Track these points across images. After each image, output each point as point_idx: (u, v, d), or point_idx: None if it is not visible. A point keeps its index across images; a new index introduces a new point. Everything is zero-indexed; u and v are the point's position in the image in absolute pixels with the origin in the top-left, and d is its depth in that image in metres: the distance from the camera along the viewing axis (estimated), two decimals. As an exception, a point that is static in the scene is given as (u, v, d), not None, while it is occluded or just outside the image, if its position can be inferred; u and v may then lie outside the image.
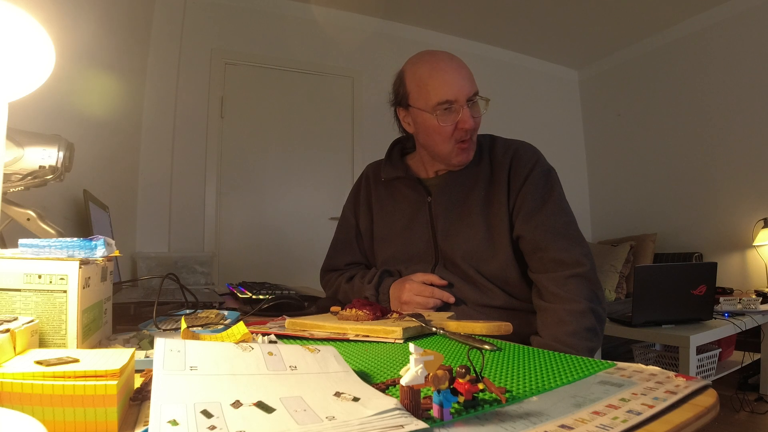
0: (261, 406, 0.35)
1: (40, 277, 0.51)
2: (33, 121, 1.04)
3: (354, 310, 0.80)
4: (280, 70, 3.31)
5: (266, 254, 3.16)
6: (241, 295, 1.26)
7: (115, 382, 0.35)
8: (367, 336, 0.71)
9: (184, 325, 0.60)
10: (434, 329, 0.71)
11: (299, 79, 3.37)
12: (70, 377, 0.35)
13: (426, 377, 0.36)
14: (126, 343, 0.62)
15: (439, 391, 0.36)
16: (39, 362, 0.37)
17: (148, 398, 0.36)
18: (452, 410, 0.37)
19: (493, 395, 0.41)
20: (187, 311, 0.87)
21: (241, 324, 0.60)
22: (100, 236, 0.59)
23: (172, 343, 0.42)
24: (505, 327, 0.72)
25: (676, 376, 0.45)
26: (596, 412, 0.37)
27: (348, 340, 0.71)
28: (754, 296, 2.49)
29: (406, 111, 1.07)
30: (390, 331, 0.69)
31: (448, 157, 1.04)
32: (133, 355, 0.41)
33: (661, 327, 2.13)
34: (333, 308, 0.88)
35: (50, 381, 0.34)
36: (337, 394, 0.39)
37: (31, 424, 0.30)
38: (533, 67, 4.31)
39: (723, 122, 3.42)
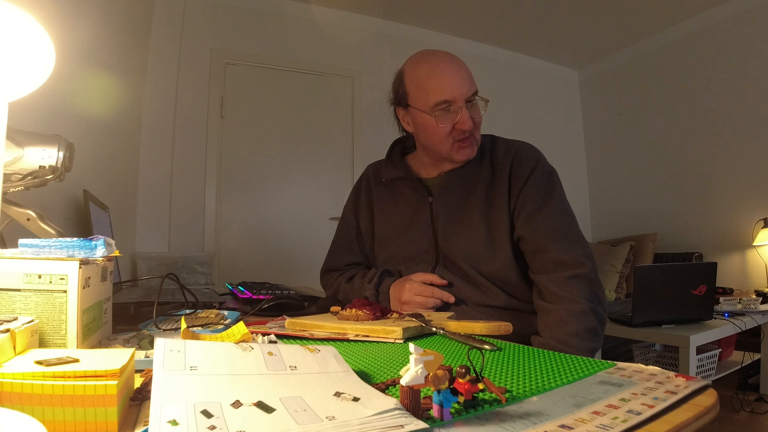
0: (261, 406, 0.35)
1: (40, 277, 0.51)
2: (33, 121, 1.04)
3: (354, 310, 0.80)
4: (280, 70, 3.31)
5: (266, 254, 3.16)
6: (241, 295, 1.26)
7: (115, 382, 0.35)
8: (367, 336, 0.70)
9: (184, 325, 0.60)
10: (434, 329, 0.71)
11: (299, 79, 3.37)
12: (70, 377, 0.35)
13: (426, 377, 0.36)
14: (126, 343, 0.62)
15: (439, 391, 0.36)
16: (39, 362, 0.37)
17: (148, 398, 0.36)
18: (452, 410, 0.37)
19: (493, 395, 0.41)
20: (187, 311, 0.87)
21: (241, 324, 0.60)
22: (100, 236, 0.59)
23: (172, 343, 0.42)
24: (505, 327, 0.72)
25: (676, 376, 0.45)
26: (596, 412, 0.37)
27: (348, 340, 0.71)
28: (754, 296, 2.49)
29: (405, 111, 1.07)
30: (390, 331, 0.69)
31: (449, 155, 1.04)
32: (133, 355, 0.41)
33: (661, 327, 2.13)
34: (333, 308, 0.88)
35: (50, 381, 0.34)
36: (337, 394, 0.39)
37: (31, 424, 0.30)
38: (533, 67, 4.31)
39: (723, 122, 3.42)
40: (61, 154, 0.80)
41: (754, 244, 3.12)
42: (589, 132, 4.53)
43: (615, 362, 0.52)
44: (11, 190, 0.78)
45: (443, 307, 1.01)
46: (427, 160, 1.12)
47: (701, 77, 3.56)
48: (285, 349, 0.47)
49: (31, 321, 0.47)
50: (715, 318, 2.23)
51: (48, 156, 0.78)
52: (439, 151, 1.05)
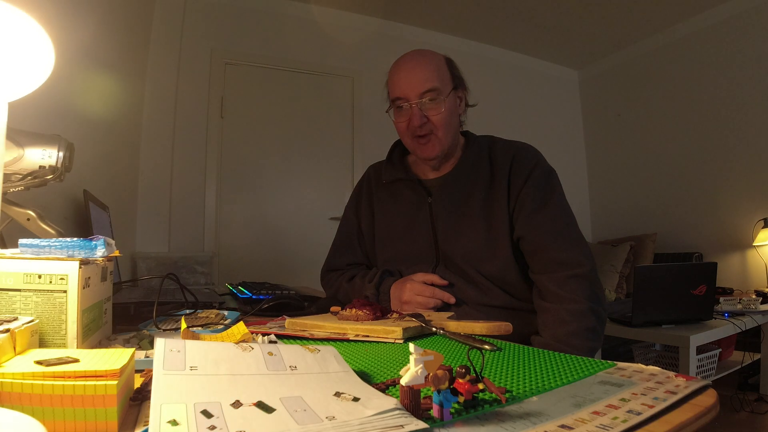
0: (261, 406, 0.35)
1: (40, 277, 0.51)
2: (33, 121, 1.04)
3: (354, 310, 0.80)
4: (280, 70, 3.31)
5: (266, 254, 3.16)
6: (241, 295, 1.26)
7: (115, 382, 0.35)
8: (367, 336, 0.70)
9: (184, 325, 0.60)
10: (434, 329, 0.71)
11: (299, 79, 3.37)
12: (70, 377, 0.35)
13: (426, 377, 0.36)
14: (126, 343, 0.62)
15: (439, 391, 0.36)
16: (39, 362, 0.37)
17: (148, 398, 0.36)
18: (452, 410, 0.37)
19: (493, 395, 0.41)
20: (187, 311, 0.87)
21: (241, 324, 0.60)
22: (100, 236, 0.59)
23: (172, 343, 0.42)
24: (505, 327, 0.72)
25: (676, 376, 0.45)
26: (596, 412, 0.37)
27: (348, 340, 0.71)
28: (754, 296, 2.49)
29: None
30: (390, 331, 0.69)
31: (416, 153, 1.09)
32: (133, 355, 0.41)
33: (661, 327, 2.13)
34: (333, 308, 0.88)
35: (50, 381, 0.34)
36: (337, 394, 0.39)
37: (31, 424, 0.30)
38: (533, 67, 4.31)
39: (723, 122, 3.42)
40: (61, 154, 0.80)
41: (754, 244, 3.12)
42: (589, 132, 4.53)
43: (615, 362, 0.52)
44: (11, 190, 0.78)
45: (443, 307, 1.01)
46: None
47: (701, 77, 3.56)
48: (285, 349, 0.47)
49: (31, 321, 0.47)
50: (715, 318, 2.23)
51: (48, 156, 0.78)
52: (409, 149, 1.10)
